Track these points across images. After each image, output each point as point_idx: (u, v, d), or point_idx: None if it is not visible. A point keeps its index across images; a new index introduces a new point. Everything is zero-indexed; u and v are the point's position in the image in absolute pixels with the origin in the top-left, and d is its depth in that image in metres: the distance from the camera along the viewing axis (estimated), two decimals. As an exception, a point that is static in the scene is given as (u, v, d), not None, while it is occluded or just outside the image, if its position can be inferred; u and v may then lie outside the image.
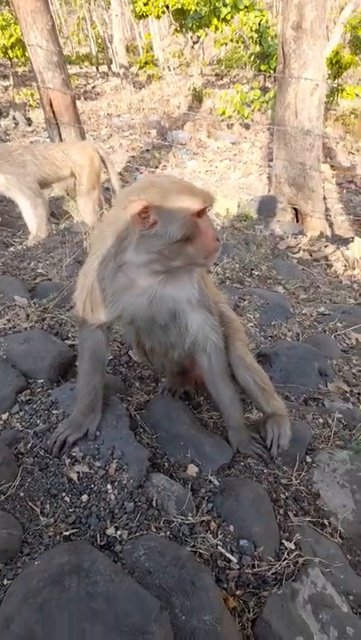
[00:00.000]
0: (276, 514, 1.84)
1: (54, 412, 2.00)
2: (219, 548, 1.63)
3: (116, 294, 1.76)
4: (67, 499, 1.66)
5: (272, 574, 1.60)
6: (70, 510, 1.63)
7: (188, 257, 1.66)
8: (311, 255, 6.12)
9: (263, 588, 1.56)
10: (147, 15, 15.44)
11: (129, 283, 1.73)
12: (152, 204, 1.56)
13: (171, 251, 1.63)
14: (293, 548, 1.71)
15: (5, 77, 16.58)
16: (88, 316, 1.85)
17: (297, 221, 7.27)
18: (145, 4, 14.78)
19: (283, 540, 1.74)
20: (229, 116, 11.87)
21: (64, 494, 1.67)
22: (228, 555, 1.62)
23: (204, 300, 1.88)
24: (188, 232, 1.60)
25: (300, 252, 6.15)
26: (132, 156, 10.50)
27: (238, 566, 1.60)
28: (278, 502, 1.90)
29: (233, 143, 11.79)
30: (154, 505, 1.69)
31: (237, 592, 1.53)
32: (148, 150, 10.98)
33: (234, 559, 1.61)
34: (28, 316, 2.71)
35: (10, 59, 14.99)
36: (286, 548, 1.71)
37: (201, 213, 1.61)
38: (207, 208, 1.63)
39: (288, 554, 1.68)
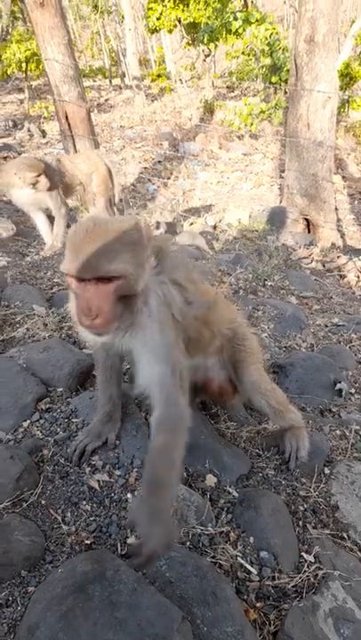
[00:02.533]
0: (295, 526, 1.84)
1: (74, 420, 2.02)
2: (239, 559, 1.63)
3: None
4: (87, 507, 1.67)
5: (292, 587, 1.59)
6: (91, 519, 1.64)
7: None
8: (324, 266, 6.12)
9: (284, 601, 1.55)
10: (159, 29, 15.70)
11: None
12: None
13: None
14: (313, 560, 1.70)
15: (20, 90, 16.88)
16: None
17: (309, 232, 7.29)
18: (158, 19, 15.04)
19: (302, 553, 1.73)
20: (239, 128, 12.01)
21: (85, 502, 1.68)
22: (248, 566, 1.61)
23: (162, 351, 1.59)
24: (70, 287, 1.49)
25: (313, 262, 6.15)
26: (145, 168, 10.62)
27: (258, 578, 1.59)
28: (297, 514, 1.89)
29: (244, 154, 11.88)
30: (173, 515, 1.69)
31: (258, 604, 1.53)
32: (160, 162, 11.09)
33: (254, 571, 1.61)
34: (46, 324, 2.74)
35: (25, 72, 15.27)
36: (306, 561, 1.70)
37: (80, 279, 1.40)
38: (82, 277, 1.39)
39: (308, 566, 1.67)
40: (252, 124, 11.63)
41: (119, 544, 1.57)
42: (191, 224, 7.54)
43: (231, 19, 13.01)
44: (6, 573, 1.40)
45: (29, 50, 14.19)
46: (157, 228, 6.62)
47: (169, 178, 10.30)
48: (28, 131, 12.84)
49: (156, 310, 1.57)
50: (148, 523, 1.31)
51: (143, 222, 1.55)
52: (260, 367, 2.15)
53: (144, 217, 7.34)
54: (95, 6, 21.29)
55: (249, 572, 1.60)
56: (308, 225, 7.32)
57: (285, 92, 11.12)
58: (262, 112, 11.64)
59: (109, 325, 1.45)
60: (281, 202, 7.99)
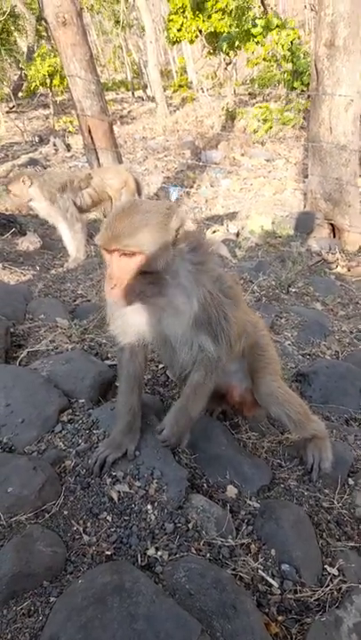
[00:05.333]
0: (318, 538, 1.81)
1: (95, 431, 2.05)
2: (259, 571, 1.61)
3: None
4: (108, 518, 1.69)
5: (315, 600, 1.57)
6: (112, 530, 1.66)
7: None
8: (349, 270, 6.02)
9: (306, 615, 1.53)
10: (180, 40, 15.86)
11: None
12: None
13: None
14: (336, 573, 1.67)
15: (46, 106, 17.34)
16: (114, 333, 1.89)
17: (334, 237, 7.19)
18: (178, 30, 15.21)
19: (325, 566, 1.71)
20: (254, 131, 12.07)
21: (105, 513, 1.70)
22: (270, 579, 1.60)
23: (203, 331, 1.77)
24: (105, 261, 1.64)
25: (338, 267, 6.06)
26: (167, 177, 10.71)
27: (280, 591, 1.58)
28: (320, 526, 1.86)
29: (267, 160, 11.82)
30: (193, 526, 1.70)
31: (279, 618, 1.51)
32: (182, 171, 11.17)
33: (275, 584, 1.59)
34: (69, 337, 2.79)
35: (50, 88, 15.70)
36: (329, 574, 1.67)
37: (107, 250, 1.58)
38: (107, 249, 1.56)
39: (331, 580, 1.64)
40: (265, 120, 11.67)
41: (139, 555, 1.58)
42: (214, 232, 7.54)
43: (250, 26, 13.04)
44: (29, 583, 1.43)
45: (51, 66, 14.61)
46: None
47: (191, 187, 10.35)
48: (54, 145, 13.17)
49: (189, 290, 1.69)
50: (172, 428, 1.88)
51: (179, 211, 1.64)
52: (278, 377, 2.14)
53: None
54: (117, 21, 21.72)
55: (270, 585, 1.59)
56: (333, 229, 7.23)
57: (309, 97, 11.09)
58: (281, 113, 11.68)
59: (126, 296, 1.59)
60: (305, 207, 7.91)
